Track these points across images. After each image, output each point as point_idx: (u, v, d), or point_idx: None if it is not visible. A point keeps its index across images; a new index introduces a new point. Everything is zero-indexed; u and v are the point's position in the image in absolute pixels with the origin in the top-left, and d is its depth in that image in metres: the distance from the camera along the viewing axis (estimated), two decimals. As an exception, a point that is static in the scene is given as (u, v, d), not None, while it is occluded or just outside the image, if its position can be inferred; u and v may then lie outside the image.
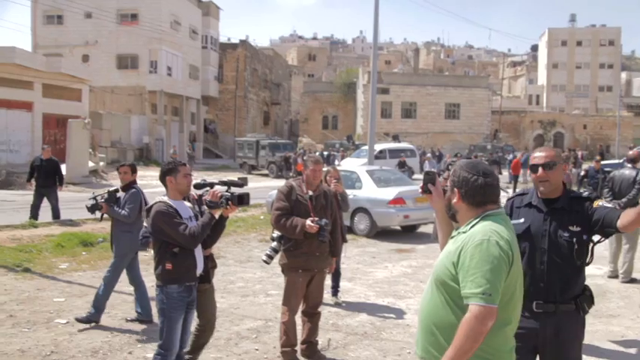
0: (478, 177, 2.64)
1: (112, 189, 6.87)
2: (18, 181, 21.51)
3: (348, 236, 9.09)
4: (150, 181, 25.04)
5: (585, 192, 14.11)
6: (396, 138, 43.34)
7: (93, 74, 35.12)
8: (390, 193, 13.22)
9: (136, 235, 6.69)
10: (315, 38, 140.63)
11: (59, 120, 29.84)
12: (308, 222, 5.25)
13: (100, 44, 40.19)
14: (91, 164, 25.86)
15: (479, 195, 2.63)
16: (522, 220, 3.38)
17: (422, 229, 14.18)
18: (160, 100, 40.32)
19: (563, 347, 3.31)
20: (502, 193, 4.66)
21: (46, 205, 13.36)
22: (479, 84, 56.37)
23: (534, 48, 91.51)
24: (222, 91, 50.72)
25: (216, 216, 4.41)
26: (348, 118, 58.60)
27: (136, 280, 6.88)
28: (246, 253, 11.25)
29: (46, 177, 13.33)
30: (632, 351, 6.20)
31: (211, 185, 4.51)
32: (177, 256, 4.33)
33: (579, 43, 74.78)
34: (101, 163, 28.04)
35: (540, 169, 3.37)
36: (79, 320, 6.50)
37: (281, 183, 6.90)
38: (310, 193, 5.49)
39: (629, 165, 9.33)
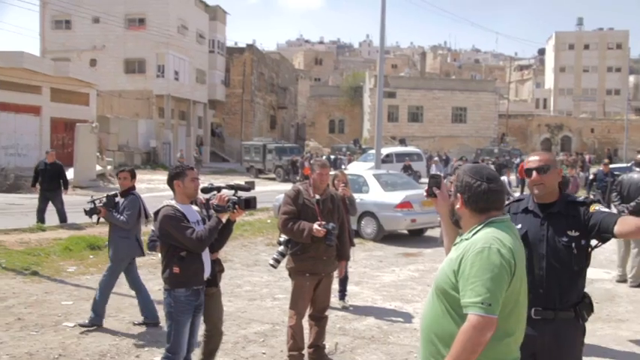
0: (482, 182, 2.57)
1: (110, 194, 6.87)
2: (26, 184, 21.59)
3: (356, 240, 9.09)
4: (157, 185, 25.16)
5: (593, 195, 14.09)
6: (402, 142, 43.28)
7: (100, 78, 35.29)
8: (397, 197, 13.21)
9: (133, 240, 6.73)
10: (321, 42, 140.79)
11: (67, 124, 29.98)
12: (315, 226, 5.25)
13: (107, 49, 40.38)
14: (98, 168, 25.96)
15: (482, 201, 2.56)
16: (520, 226, 3.33)
17: (429, 232, 14.16)
18: (167, 104, 40.45)
19: (562, 355, 3.26)
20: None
21: (52, 208, 13.41)
22: (486, 88, 56.28)
23: (541, 51, 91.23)
24: (229, 95, 50.82)
25: (224, 220, 4.42)
26: (355, 121, 58.61)
27: (136, 284, 6.88)
28: (254, 256, 11.26)
29: (50, 181, 13.38)
30: (641, 356, 6.17)
31: (218, 189, 4.52)
32: (184, 260, 4.34)
33: (587, 47, 74.50)
34: (108, 167, 28.15)
35: (534, 173, 3.35)
36: (82, 326, 6.50)
37: (288, 187, 6.91)
38: (317, 197, 5.49)
39: (638, 169, 9.30)
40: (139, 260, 10.33)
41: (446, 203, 2.86)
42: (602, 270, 10.21)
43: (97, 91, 34.08)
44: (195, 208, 4.62)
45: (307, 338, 5.63)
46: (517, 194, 21.10)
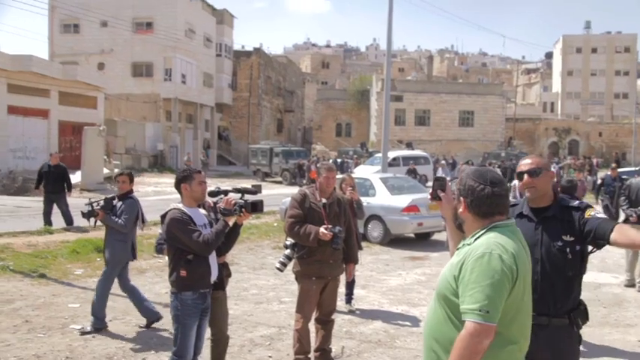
0: (485, 186, 2.51)
1: (108, 196, 6.87)
2: (33, 187, 21.72)
3: (362, 243, 9.08)
4: (164, 188, 25.23)
5: (601, 200, 14.00)
6: (409, 145, 43.27)
7: (108, 82, 35.49)
8: (403, 200, 13.20)
9: (129, 244, 6.73)
10: (328, 46, 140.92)
11: (75, 127, 30.15)
12: (321, 229, 5.25)
13: (115, 52, 40.55)
14: (105, 171, 26.07)
15: (485, 205, 2.50)
16: None
17: (436, 236, 14.13)
18: (175, 108, 40.57)
19: None
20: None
21: (58, 211, 13.45)
22: (493, 91, 56.19)
23: (549, 55, 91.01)
24: (236, 99, 50.92)
25: (230, 223, 4.43)
26: (362, 125, 58.61)
27: (127, 287, 6.87)
28: (260, 260, 11.26)
29: (54, 183, 13.42)
30: (650, 361, 6.13)
31: (225, 193, 4.52)
32: (191, 263, 4.34)
33: (594, 50, 74.29)
34: (116, 170, 28.20)
35: (526, 176, 3.33)
36: (85, 334, 6.48)
37: (294, 190, 6.91)
38: (324, 200, 5.49)
39: (646, 173, 9.25)
40: (144, 263, 10.42)
41: (450, 206, 2.81)
42: (610, 274, 10.16)
43: (104, 94, 34.25)
44: (202, 211, 4.63)
45: (313, 342, 5.62)
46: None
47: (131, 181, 6.87)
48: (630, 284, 9.19)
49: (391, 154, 28.07)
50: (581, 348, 6.32)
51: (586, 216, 3.27)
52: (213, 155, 46.53)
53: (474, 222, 2.54)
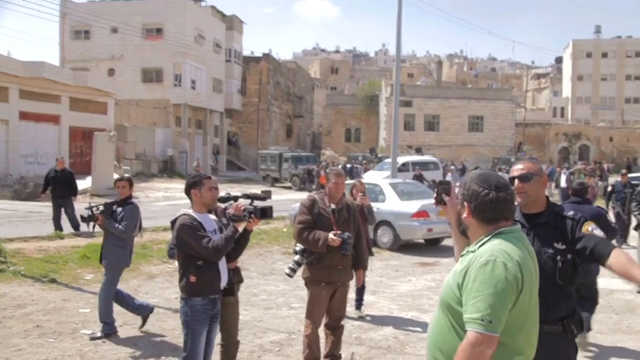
0: (489, 191, 2.43)
1: (108, 201, 6.86)
2: (40, 192, 21.85)
3: (372, 249, 9.06)
4: (174, 194, 25.30)
5: (612, 207, 13.90)
6: (419, 151, 43.18)
7: (118, 88, 35.69)
8: (413, 206, 13.17)
9: (129, 250, 6.73)
10: (337, 51, 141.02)
11: (85, 133, 30.31)
12: (330, 235, 5.24)
13: (125, 58, 40.79)
14: (115, 176, 26.12)
15: (489, 211, 2.43)
16: None
17: (445, 242, 14.08)
18: (184, 113, 40.73)
19: None
20: None
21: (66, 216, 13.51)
22: (502, 96, 56.03)
23: (558, 60, 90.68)
24: (246, 104, 51.06)
25: (240, 229, 4.43)
26: (371, 130, 58.60)
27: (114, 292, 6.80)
28: (270, 265, 11.27)
29: (61, 188, 13.48)
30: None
31: (235, 199, 4.53)
32: (201, 269, 4.35)
33: (605, 55, 73.95)
34: (126, 175, 28.34)
35: (516, 181, 3.30)
36: (95, 339, 6.49)
37: (304, 195, 6.91)
38: (333, 206, 5.48)
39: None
40: (154, 269, 10.45)
41: (455, 211, 2.75)
42: (622, 281, 10.08)
43: (114, 100, 34.43)
44: (212, 217, 4.64)
45: (323, 348, 5.61)
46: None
47: (131, 186, 6.89)
48: (642, 290, 9.11)
49: (400, 160, 27.94)
50: (592, 350, 6.29)
51: (583, 230, 3.21)
52: (222, 161, 46.65)
53: (479, 228, 2.48)
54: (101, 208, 6.63)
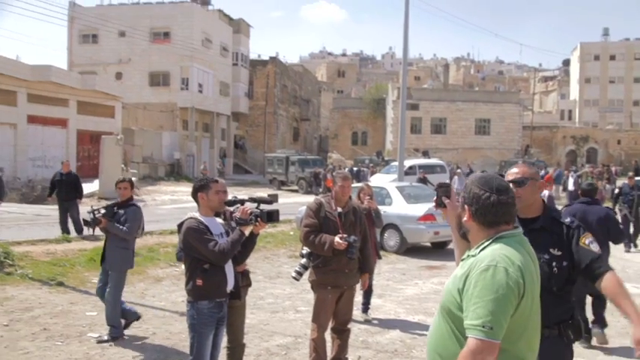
0: (490, 194, 2.39)
1: (109, 204, 6.85)
2: (47, 195, 21.96)
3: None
4: (181, 197, 25.34)
5: (619, 210, 13.83)
6: (425, 154, 43.09)
7: (126, 91, 35.84)
8: (420, 209, 13.14)
9: (131, 251, 6.74)
10: (344, 54, 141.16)
11: (93, 136, 30.45)
12: (336, 239, 5.23)
13: (133, 62, 40.96)
14: (123, 180, 26.19)
15: (490, 214, 2.39)
16: None
17: (452, 245, 14.01)
18: (191, 117, 40.83)
19: None
20: None
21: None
22: (509, 99, 55.90)
23: (566, 63, 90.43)
24: (252, 108, 51.14)
25: (246, 233, 4.43)
26: (378, 133, 58.57)
27: (104, 294, 6.76)
28: (276, 269, 11.27)
29: (67, 191, 13.54)
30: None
31: (242, 202, 4.53)
32: (207, 273, 4.35)
33: (612, 57, 73.69)
34: (133, 179, 28.41)
35: (511, 185, 3.28)
36: (102, 342, 6.50)
37: (310, 199, 6.91)
38: (339, 209, 5.47)
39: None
40: (161, 272, 10.46)
41: (455, 214, 2.71)
42: (630, 284, 10.02)
43: (122, 103, 34.56)
44: (219, 220, 4.64)
45: (330, 351, 5.60)
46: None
47: (132, 187, 6.92)
48: (651, 294, 9.05)
49: (407, 163, 27.91)
50: (600, 354, 6.25)
51: (580, 243, 3.19)
52: (229, 164, 46.72)
53: (479, 231, 2.44)
54: (103, 211, 6.61)
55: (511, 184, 3.19)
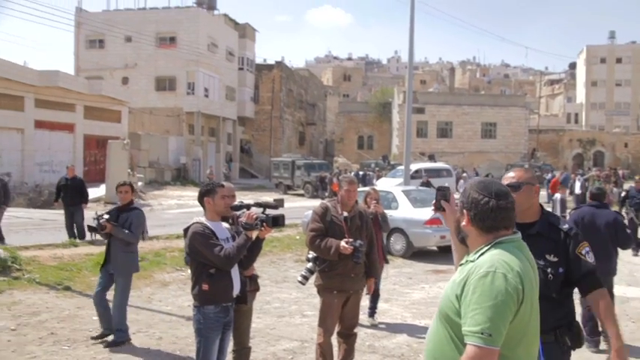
0: (490, 199, 2.37)
1: (111, 208, 6.84)
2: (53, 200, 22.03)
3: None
4: (187, 201, 25.39)
5: (626, 214, 13.77)
6: (431, 158, 43.06)
7: (132, 96, 35.99)
8: (426, 213, 13.10)
9: (136, 255, 6.75)
10: (350, 58, 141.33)
11: (99, 141, 30.58)
12: (342, 243, 5.22)
13: (139, 67, 41.13)
14: (129, 184, 26.26)
15: (489, 219, 2.36)
16: None
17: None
18: (197, 121, 40.94)
19: None
20: None
21: None
22: (516, 103, 55.83)
23: (572, 66, 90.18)
24: (258, 112, 51.23)
25: (252, 237, 4.43)
26: (384, 137, 58.56)
27: (101, 297, 6.76)
28: (282, 273, 11.26)
29: (72, 195, 13.58)
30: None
31: (248, 207, 4.54)
32: (213, 277, 4.36)
33: (619, 60, 73.48)
34: (139, 183, 28.52)
35: None
36: (109, 346, 6.51)
37: (316, 203, 6.91)
38: (345, 214, 5.46)
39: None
40: (168, 277, 10.48)
41: (454, 218, 2.67)
42: (638, 288, 9.98)
43: (128, 108, 34.71)
44: (225, 225, 4.65)
45: (336, 356, 5.59)
46: (549, 209, 20.79)
47: (132, 191, 6.91)
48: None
49: (413, 167, 27.84)
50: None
51: (577, 252, 3.17)
52: (235, 168, 46.80)
53: (478, 237, 2.41)
54: (106, 216, 6.60)
55: None
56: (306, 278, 5.66)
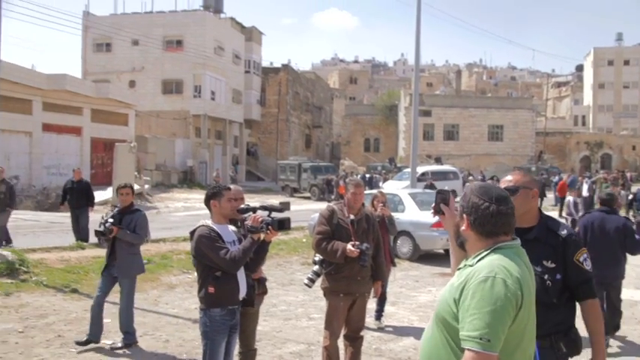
0: (490, 204, 2.35)
1: (115, 212, 6.82)
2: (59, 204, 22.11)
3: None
4: (193, 204, 25.44)
5: (634, 217, 13.71)
6: (438, 160, 42.99)
7: (139, 99, 36.11)
8: (432, 216, 13.07)
9: (140, 256, 6.78)
10: (356, 61, 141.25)
11: (106, 144, 30.69)
12: (349, 246, 5.22)
13: (146, 70, 41.27)
14: (136, 187, 26.34)
15: (489, 224, 2.34)
16: None
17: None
18: (204, 124, 41.02)
19: None
20: None
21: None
22: (522, 105, 55.68)
23: (579, 68, 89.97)
24: (265, 115, 51.32)
25: (260, 239, 4.43)
26: (390, 140, 58.52)
27: (99, 301, 6.72)
28: (289, 276, 11.26)
29: (78, 198, 13.61)
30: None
31: (254, 210, 4.54)
32: (219, 280, 4.36)
33: (627, 62, 73.18)
34: (146, 186, 28.60)
35: None
36: (116, 349, 6.52)
37: (323, 206, 6.90)
38: (352, 217, 5.46)
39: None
40: (174, 279, 10.49)
41: (453, 222, 2.64)
42: (645, 291, 9.92)
43: (135, 111, 34.81)
44: (232, 228, 4.65)
45: (343, 359, 5.58)
46: (555, 213, 20.70)
47: (133, 193, 6.93)
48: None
49: (420, 169, 27.78)
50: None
51: (574, 259, 3.13)
52: (241, 171, 46.87)
53: (477, 241, 2.40)
54: (111, 220, 6.61)
55: None
56: (312, 281, 5.65)
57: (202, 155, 40.51)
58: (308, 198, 33.29)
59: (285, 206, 4.73)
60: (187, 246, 11.12)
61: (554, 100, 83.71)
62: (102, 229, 6.58)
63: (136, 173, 27.36)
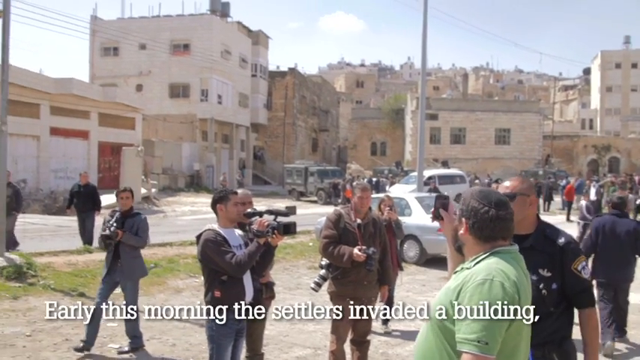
0: (489, 208, 2.36)
1: (116, 216, 6.78)
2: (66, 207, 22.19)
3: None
4: (200, 208, 25.47)
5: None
6: (445, 164, 42.89)
7: (146, 103, 36.22)
8: (432, 221, 13.04)
9: (142, 259, 6.80)
10: (362, 65, 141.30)
11: (114, 148, 30.80)
12: (355, 250, 5.21)
13: (153, 74, 41.42)
14: (143, 191, 26.47)
15: (487, 229, 2.35)
16: None
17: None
18: (211, 128, 41.12)
19: None
20: None
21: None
22: (529, 109, 55.49)
23: (586, 71, 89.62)
24: (271, 119, 51.39)
25: (264, 244, 4.43)
26: (397, 144, 58.44)
27: (98, 304, 6.67)
28: (295, 280, 11.25)
29: (84, 202, 13.64)
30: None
31: (260, 214, 4.54)
32: (225, 284, 4.36)
33: (634, 65, 72.84)
34: (153, 190, 28.67)
35: None
36: (122, 353, 6.51)
37: (329, 209, 6.91)
38: (359, 221, 5.45)
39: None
40: (181, 283, 10.50)
41: (452, 227, 2.63)
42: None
43: (142, 115, 34.93)
44: (238, 232, 4.65)
45: (349, 364, 5.57)
46: (562, 217, 20.61)
47: (132, 197, 6.96)
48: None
49: (427, 173, 27.72)
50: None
51: (572, 268, 3.09)
52: (248, 175, 46.93)
53: (475, 245, 2.40)
54: (114, 224, 6.60)
55: None
56: (319, 285, 5.64)
57: (209, 159, 40.59)
58: (315, 202, 33.28)
59: (291, 210, 4.69)
60: (194, 250, 11.11)
61: (562, 104, 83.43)
62: (108, 232, 6.59)
63: (142, 177, 27.45)
